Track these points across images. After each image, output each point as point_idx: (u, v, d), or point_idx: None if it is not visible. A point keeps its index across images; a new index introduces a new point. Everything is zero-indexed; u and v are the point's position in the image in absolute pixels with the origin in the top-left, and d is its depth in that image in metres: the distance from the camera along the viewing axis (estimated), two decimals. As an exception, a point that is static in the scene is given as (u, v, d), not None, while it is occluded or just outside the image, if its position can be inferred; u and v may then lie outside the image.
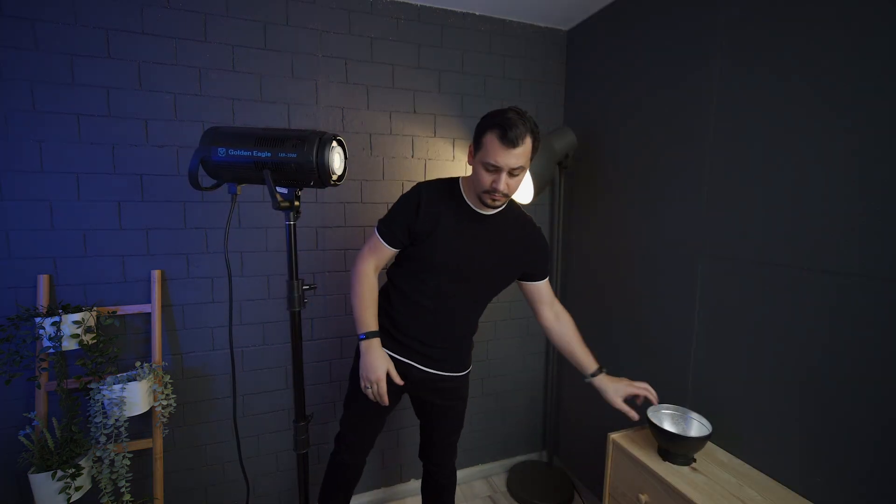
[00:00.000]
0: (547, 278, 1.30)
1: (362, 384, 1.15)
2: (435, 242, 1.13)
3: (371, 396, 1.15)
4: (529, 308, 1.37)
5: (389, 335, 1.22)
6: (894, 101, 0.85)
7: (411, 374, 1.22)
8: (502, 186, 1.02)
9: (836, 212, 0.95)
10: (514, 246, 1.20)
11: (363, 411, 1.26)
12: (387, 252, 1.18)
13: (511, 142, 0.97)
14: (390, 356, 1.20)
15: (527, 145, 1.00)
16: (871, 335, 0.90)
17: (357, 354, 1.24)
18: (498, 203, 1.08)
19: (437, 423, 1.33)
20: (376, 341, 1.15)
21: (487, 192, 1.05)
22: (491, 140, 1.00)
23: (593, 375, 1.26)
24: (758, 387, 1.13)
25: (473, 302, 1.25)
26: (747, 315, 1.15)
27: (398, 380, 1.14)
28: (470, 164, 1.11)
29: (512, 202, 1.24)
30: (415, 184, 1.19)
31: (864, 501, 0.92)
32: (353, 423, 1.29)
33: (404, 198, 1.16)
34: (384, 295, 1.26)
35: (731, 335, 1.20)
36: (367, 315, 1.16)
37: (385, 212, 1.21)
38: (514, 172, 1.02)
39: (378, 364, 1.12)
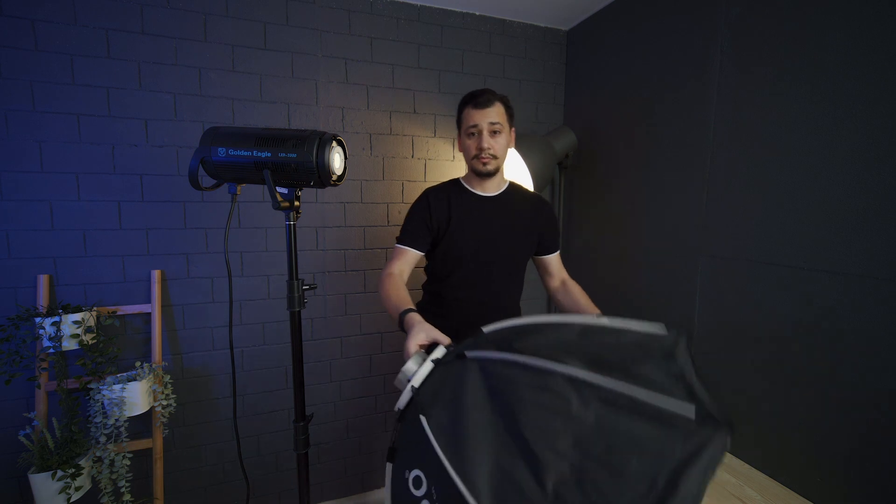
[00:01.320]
0: (558, 251, 1.34)
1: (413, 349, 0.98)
2: (452, 234, 1.18)
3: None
4: (541, 284, 1.39)
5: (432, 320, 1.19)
6: (894, 101, 0.85)
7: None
8: (486, 143, 1.12)
9: (836, 212, 0.95)
10: (526, 219, 1.25)
11: None
12: (410, 255, 1.17)
13: (482, 104, 1.11)
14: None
15: (498, 107, 1.13)
16: (871, 335, 0.90)
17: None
18: (489, 166, 1.15)
19: None
20: (417, 315, 1.03)
21: (476, 156, 1.14)
22: (466, 110, 1.14)
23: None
24: (758, 387, 1.13)
25: (507, 276, 1.26)
26: (747, 315, 1.15)
27: (445, 339, 0.96)
28: (461, 150, 1.21)
29: (519, 186, 1.30)
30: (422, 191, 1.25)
31: (864, 501, 0.91)
32: None
33: (414, 204, 1.22)
34: (424, 310, 1.22)
35: (731, 335, 1.20)
36: (400, 299, 1.06)
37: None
38: (494, 129, 1.12)
39: (424, 325, 0.93)
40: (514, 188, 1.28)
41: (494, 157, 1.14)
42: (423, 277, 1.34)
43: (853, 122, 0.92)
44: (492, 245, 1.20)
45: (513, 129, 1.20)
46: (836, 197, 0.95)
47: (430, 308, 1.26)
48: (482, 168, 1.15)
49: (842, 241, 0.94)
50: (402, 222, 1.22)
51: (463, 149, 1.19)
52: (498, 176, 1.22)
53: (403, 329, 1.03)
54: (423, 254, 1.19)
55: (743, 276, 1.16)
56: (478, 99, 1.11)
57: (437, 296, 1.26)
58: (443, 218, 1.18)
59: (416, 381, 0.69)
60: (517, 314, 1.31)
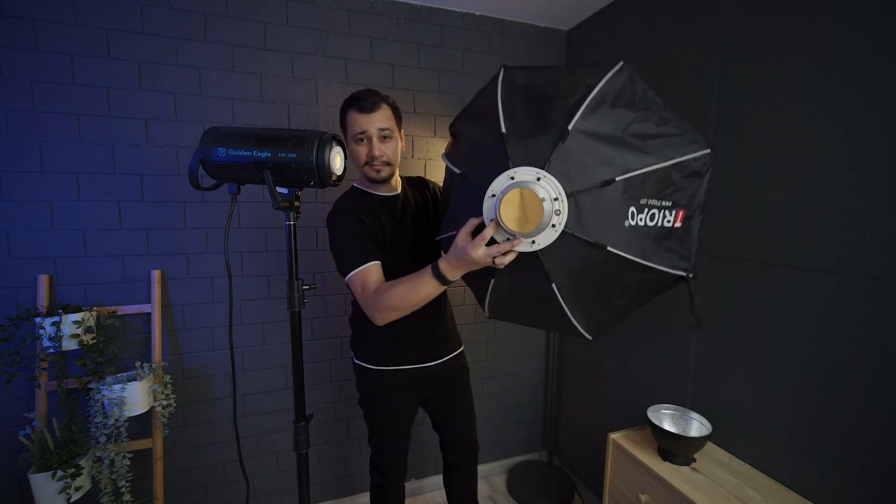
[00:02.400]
0: None
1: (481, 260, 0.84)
2: (393, 243, 1.14)
3: (500, 258, 0.83)
4: None
5: (392, 353, 1.20)
6: (895, 101, 0.85)
7: (431, 374, 1.23)
8: (377, 151, 1.06)
9: (836, 212, 0.95)
10: (430, 203, 1.25)
11: (388, 428, 1.25)
12: (373, 268, 1.06)
13: (367, 108, 1.04)
14: (404, 370, 1.20)
15: (385, 110, 1.07)
16: (871, 335, 0.90)
17: (362, 385, 1.23)
18: (383, 173, 1.09)
19: (457, 406, 1.32)
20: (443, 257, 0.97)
21: (367, 163, 1.08)
22: (350, 115, 1.06)
23: None
24: (758, 387, 1.13)
25: None
26: (747, 315, 1.15)
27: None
28: (351, 157, 1.09)
29: (401, 175, 1.25)
30: (330, 210, 1.14)
31: (864, 501, 0.92)
32: (382, 443, 1.26)
33: (342, 228, 1.09)
34: (361, 330, 1.22)
35: (730, 335, 1.20)
36: (415, 276, 0.97)
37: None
38: (383, 134, 1.06)
39: (473, 244, 0.84)
40: (404, 179, 1.26)
41: (388, 164, 1.09)
42: (350, 312, 1.27)
43: (853, 121, 0.92)
44: (414, 242, 1.18)
45: (402, 131, 1.15)
46: (836, 197, 0.95)
47: (382, 335, 1.15)
48: (376, 176, 1.09)
49: (842, 241, 0.94)
50: None
51: (352, 155, 1.09)
52: (395, 175, 1.17)
53: (445, 274, 0.92)
54: (379, 261, 1.09)
55: (743, 276, 1.16)
56: (362, 102, 1.04)
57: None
58: (378, 229, 1.10)
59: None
60: (453, 321, 1.33)
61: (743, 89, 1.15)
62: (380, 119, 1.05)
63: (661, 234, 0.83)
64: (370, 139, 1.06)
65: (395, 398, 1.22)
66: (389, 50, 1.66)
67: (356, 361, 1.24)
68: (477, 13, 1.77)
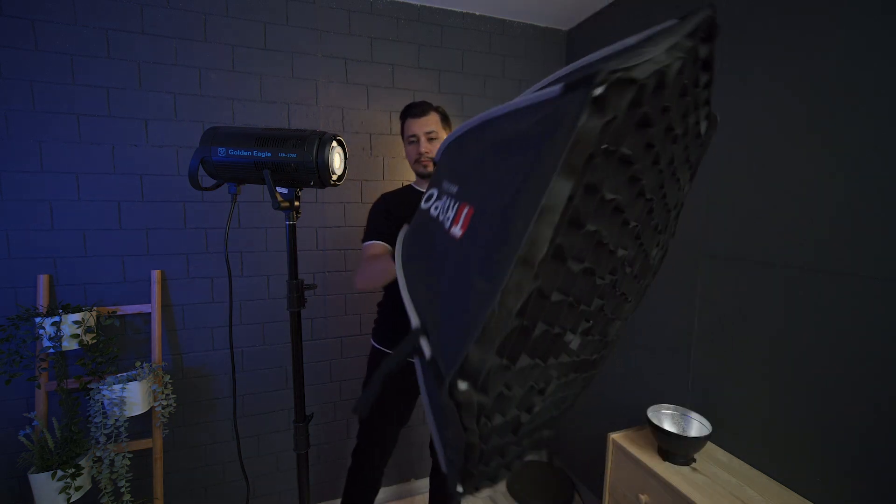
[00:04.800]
0: None
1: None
2: None
3: None
4: None
5: (392, 335, 1.28)
6: (894, 101, 0.85)
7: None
8: (423, 149, 1.24)
9: (836, 212, 0.95)
10: None
11: (381, 420, 1.30)
12: (377, 247, 1.23)
13: (417, 114, 1.25)
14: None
15: (432, 116, 1.26)
16: (871, 335, 0.90)
17: (369, 362, 1.34)
18: (429, 168, 1.26)
19: None
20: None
21: (417, 160, 1.26)
22: (406, 122, 1.28)
23: None
24: (758, 387, 1.13)
25: None
26: (747, 315, 1.15)
27: None
28: (407, 158, 1.33)
29: None
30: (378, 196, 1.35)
31: (864, 501, 0.91)
32: (370, 434, 1.32)
33: (372, 208, 1.32)
34: (378, 311, 1.39)
35: (731, 335, 1.20)
36: (387, 258, 1.10)
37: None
38: (430, 136, 1.25)
39: None
40: None
41: (433, 160, 1.23)
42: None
43: (853, 121, 0.92)
44: None
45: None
46: (836, 197, 0.95)
47: (388, 317, 1.34)
48: (423, 170, 1.27)
49: (842, 241, 0.94)
50: None
51: (407, 155, 1.32)
52: None
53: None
54: (390, 248, 1.22)
55: (743, 276, 1.16)
56: (414, 110, 1.26)
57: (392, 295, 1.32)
58: (402, 217, 1.19)
59: None
60: None
61: (742, 87, 1.15)
62: (428, 123, 1.25)
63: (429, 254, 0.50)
64: (418, 140, 1.25)
65: (386, 382, 1.22)
66: (389, 50, 1.66)
67: (371, 341, 1.38)
68: (477, 13, 1.77)
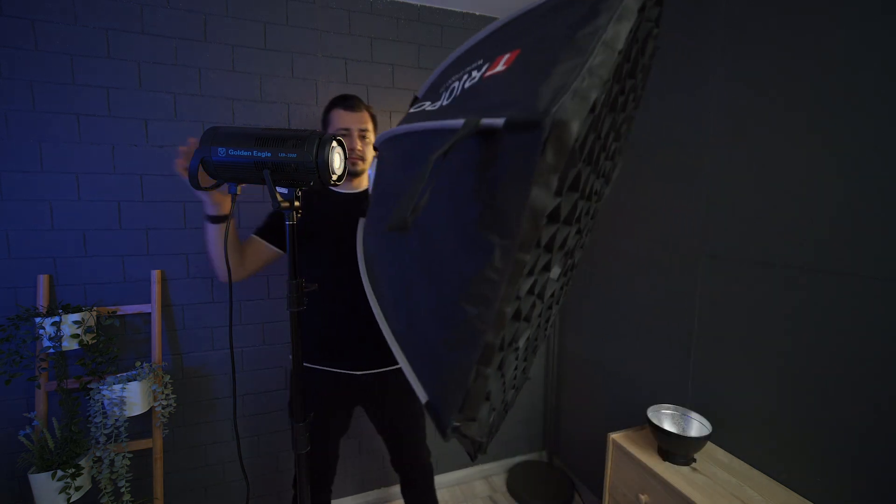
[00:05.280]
0: None
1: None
2: (312, 235, 1.19)
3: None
4: None
5: (313, 351, 1.19)
6: (895, 101, 0.85)
7: (360, 383, 1.20)
8: (356, 145, 1.18)
9: (836, 212, 0.95)
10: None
11: (318, 435, 1.20)
12: (255, 242, 1.18)
13: (353, 108, 1.18)
14: (323, 371, 1.18)
15: (366, 114, 1.21)
16: (870, 335, 0.90)
17: (289, 386, 1.21)
18: (357, 166, 1.21)
19: (402, 424, 1.28)
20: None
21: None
22: (336, 112, 1.19)
23: None
24: (758, 387, 1.13)
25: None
26: (747, 315, 1.15)
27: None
28: None
29: None
30: None
31: (864, 501, 0.91)
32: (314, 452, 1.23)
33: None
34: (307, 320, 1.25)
35: (731, 335, 1.20)
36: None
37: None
38: (363, 134, 1.20)
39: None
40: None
41: (362, 159, 1.21)
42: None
43: (853, 121, 0.92)
44: (350, 240, 1.17)
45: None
46: (836, 197, 0.95)
47: (309, 332, 1.20)
48: (352, 167, 1.20)
49: (842, 241, 0.94)
50: None
51: None
52: (363, 175, 1.27)
53: (212, 214, 1.03)
54: (272, 247, 1.17)
55: (743, 276, 1.16)
56: (348, 102, 1.19)
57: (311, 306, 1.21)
58: (304, 216, 1.13)
59: None
60: None
61: (742, 87, 1.15)
62: (362, 119, 1.19)
63: None
64: (351, 134, 1.18)
65: (314, 398, 1.19)
66: (389, 50, 1.66)
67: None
68: (477, 13, 1.77)
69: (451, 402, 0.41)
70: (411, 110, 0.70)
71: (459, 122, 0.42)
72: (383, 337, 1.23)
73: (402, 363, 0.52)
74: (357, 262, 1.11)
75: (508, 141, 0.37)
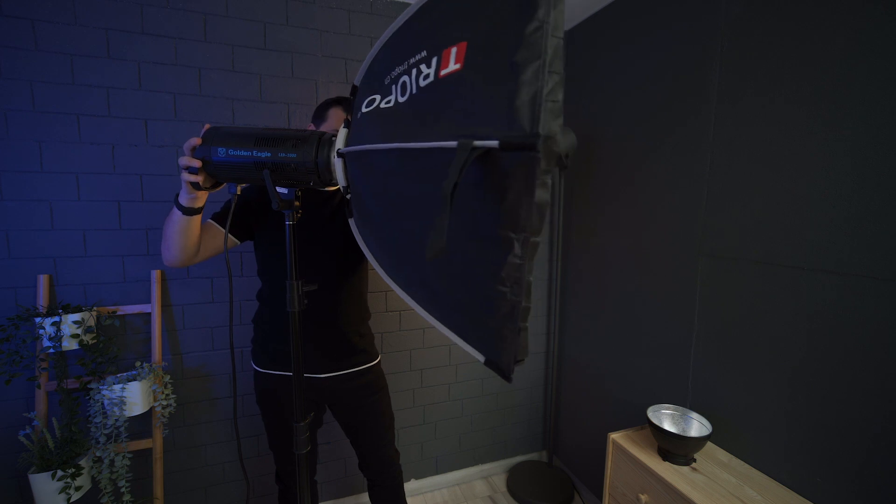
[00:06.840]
0: None
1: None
2: (270, 231, 1.16)
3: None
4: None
5: (272, 355, 1.17)
6: (894, 101, 0.85)
7: (321, 385, 1.19)
8: None
9: (836, 212, 0.95)
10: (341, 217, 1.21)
11: (273, 433, 1.21)
12: (213, 228, 1.12)
13: (349, 111, 1.09)
14: (280, 375, 1.16)
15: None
16: (871, 335, 0.90)
17: (257, 389, 1.21)
18: None
19: (362, 424, 1.26)
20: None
21: None
22: (335, 111, 1.13)
23: None
24: (758, 387, 1.13)
25: (345, 282, 1.20)
26: (747, 315, 1.15)
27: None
28: None
29: None
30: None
31: (864, 501, 0.92)
32: (272, 448, 1.24)
33: (238, 197, 1.15)
34: (253, 329, 1.24)
35: (731, 335, 1.20)
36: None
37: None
38: None
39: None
40: None
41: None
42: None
43: (853, 121, 0.92)
44: (317, 236, 1.13)
45: None
46: (836, 197, 0.95)
47: (262, 335, 1.19)
48: None
49: (842, 241, 0.94)
50: None
51: None
52: None
53: (186, 206, 0.93)
54: (231, 237, 1.12)
55: (743, 276, 1.16)
56: (347, 104, 1.13)
57: (263, 311, 1.20)
58: (265, 207, 1.12)
59: None
60: (361, 333, 1.25)
61: (743, 88, 1.15)
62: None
63: None
64: None
65: (277, 402, 1.18)
66: (389, 50, 1.66)
67: (252, 364, 1.24)
68: (477, 13, 1.77)
69: (509, 355, 0.53)
70: (364, 109, 0.70)
71: (451, 143, 0.48)
72: (346, 339, 1.20)
73: (454, 339, 0.65)
74: (312, 266, 1.12)
75: (506, 159, 0.45)
